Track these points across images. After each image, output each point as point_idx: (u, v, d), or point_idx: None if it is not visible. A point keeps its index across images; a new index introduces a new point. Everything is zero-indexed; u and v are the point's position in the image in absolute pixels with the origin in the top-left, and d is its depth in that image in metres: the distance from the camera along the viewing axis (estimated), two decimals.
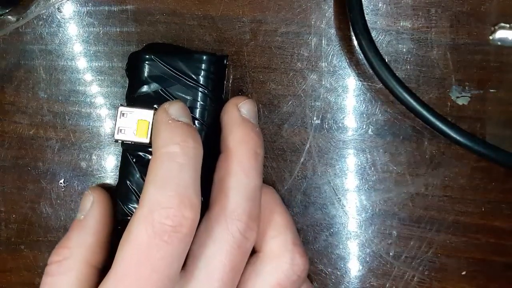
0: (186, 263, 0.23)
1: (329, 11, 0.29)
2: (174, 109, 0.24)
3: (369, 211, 0.29)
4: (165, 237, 0.21)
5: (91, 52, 0.29)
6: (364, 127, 0.29)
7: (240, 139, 0.24)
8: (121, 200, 0.26)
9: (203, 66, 0.26)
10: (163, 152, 0.23)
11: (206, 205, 0.24)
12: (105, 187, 0.28)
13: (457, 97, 0.28)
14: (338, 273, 0.29)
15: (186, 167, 0.22)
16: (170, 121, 0.23)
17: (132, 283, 0.21)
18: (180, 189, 0.22)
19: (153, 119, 0.25)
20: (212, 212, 0.23)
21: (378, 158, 0.28)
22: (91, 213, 0.25)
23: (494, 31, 0.28)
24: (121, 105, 0.25)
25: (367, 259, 0.29)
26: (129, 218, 0.26)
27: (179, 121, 0.23)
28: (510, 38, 0.28)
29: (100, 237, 0.25)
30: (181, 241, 0.22)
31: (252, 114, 0.25)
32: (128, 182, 0.26)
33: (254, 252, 0.25)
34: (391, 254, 0.28)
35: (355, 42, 0.28)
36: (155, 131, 0.24)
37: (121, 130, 0.25)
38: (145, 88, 0.26)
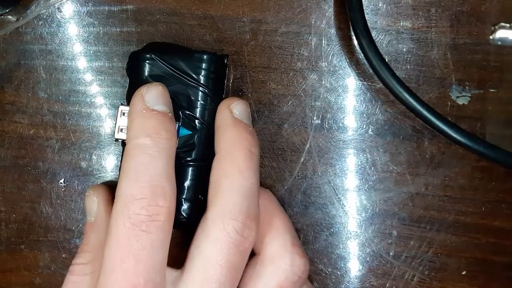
0: (184, 264, 0.23)
1: (329, 10, 0.29)
2: (150, 96, 0.24)
3: (369, 210, 0.29)
4: (143, 227, 0.21)
5: (91, 52, 0.29)
6: (364, 127, 0.29)
7: (233, 139, 0.24)
8: None
9: (204, 65, 0.26)
10: (134, 143, 0.23)
11: (206, 206, 0.24)
12: (106, 184, 0.28)
13: (457, 97, 0.28)
14: (338, 272, 0.29)
15: (158, 158, 0.23)
16: (144, 111, 0.23)
17: (119, 276, 0.21)
18: (152, 180, 0.22)
19: None
20: (209, 213, 0.23)
21: (378, 158, 0.28)
22: (100, 213, 0.25)
23: (494, 31, 0.28)
24: (122, 104, 0.25)
25: (367, 259, 0.29)
26: None
27: (153, 110, 0.23)
28: (510, 38, 0.28)
29: None
30: (160, 229, 0.22)
31: (244, 115, 0.25)
32: None
33: (254, 254, 0.25)
34: (391, 254, 0.28)
35: (355, 42, 0.28)
36: (129, 120, 0.24)
37: (121, 129, 0.25)
38: None
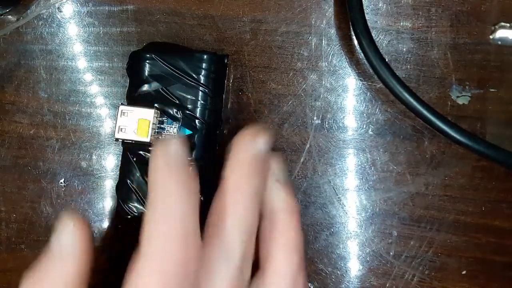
0: None
1: (329, 10, 0.29)
2: (171, 152, 0.21)
3: (369, 210, 0.29)
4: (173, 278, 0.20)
5: (91, 52, 0.29)
6: (364, 126, 0.29)
7: (245, 178, 0.22)
8: (122, 199, 0.26)
9: (204, 65, 0.26)
10: (160, 207, 0.21)
11: (206, 207, 0.24)
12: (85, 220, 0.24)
13: (458, 97, 0.28)
14: (339, 272, 0.29)
15: (187, 215, 0.21)
16: (165, 167, 0.21)
17: None
18: (184, 238, 0.21)
19: (153, 118, 0.25)
20: (210, 247, 0.22)
21: (378, 158, 0.28)
22: (70, 250, 0.22)
23: (494, 31, 0.28)
24: (122, 104, 0.25)
25: (367, 259, 0.29)
26: (129, 217, 0.26)
27: (177, 167, 0.21)
28: (510, 38, 0.28)
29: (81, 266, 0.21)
30: (187, 276, 0.21)
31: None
32: (128, 181, 0.26)
33: (259, 268, 0.25)
34: (391, 253, 0.28)
35: (355, 42, 0.28)
36: (151, 178, 0.21)
37: (121, 129, 0.25)
38: (146, 87, 0.26)
